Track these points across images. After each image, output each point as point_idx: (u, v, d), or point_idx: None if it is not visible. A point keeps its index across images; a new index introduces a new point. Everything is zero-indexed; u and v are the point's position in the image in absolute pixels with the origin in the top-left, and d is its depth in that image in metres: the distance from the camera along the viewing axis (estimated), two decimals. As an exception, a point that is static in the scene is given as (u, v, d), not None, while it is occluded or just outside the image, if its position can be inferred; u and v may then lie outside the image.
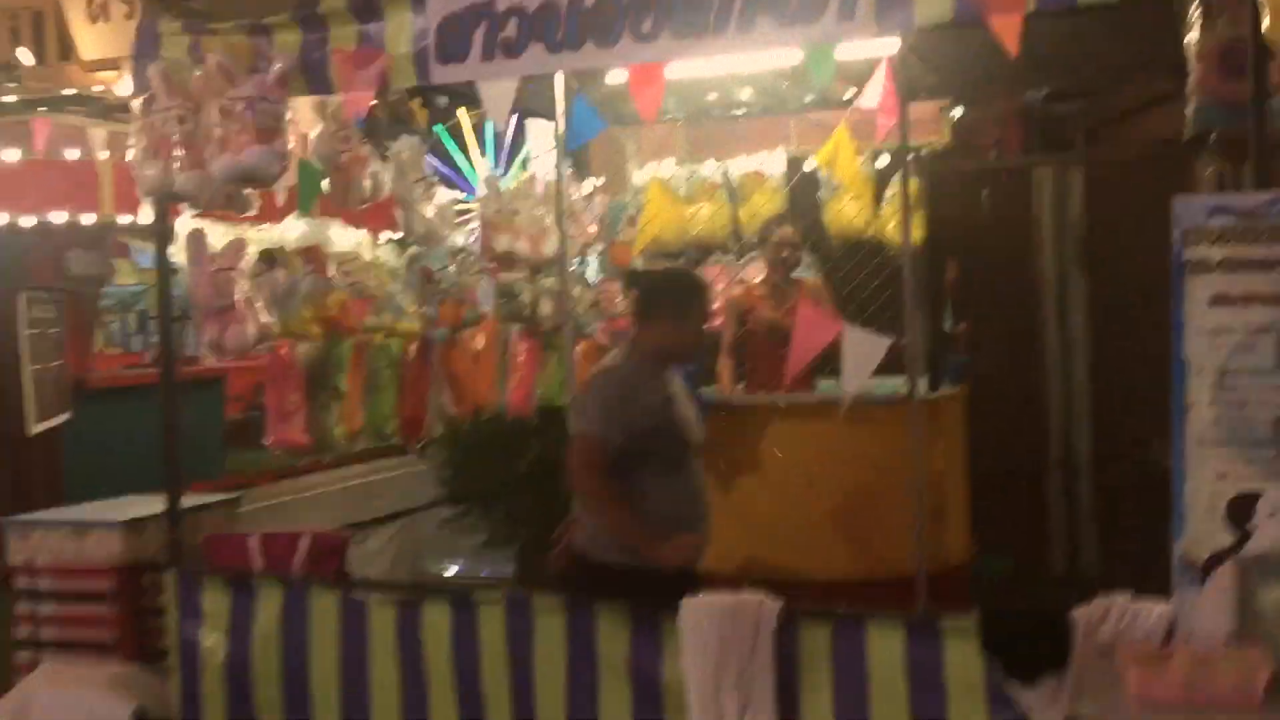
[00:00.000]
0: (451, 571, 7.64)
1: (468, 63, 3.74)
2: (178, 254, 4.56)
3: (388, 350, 5.22)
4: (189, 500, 4.52)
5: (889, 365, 4.37)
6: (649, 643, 3.59)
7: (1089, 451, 6.40)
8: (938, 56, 5.52)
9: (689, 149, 6.95)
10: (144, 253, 11.01)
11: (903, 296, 4.43)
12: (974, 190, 6.43)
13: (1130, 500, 5.90)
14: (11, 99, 8.53)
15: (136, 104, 4.07)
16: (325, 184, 4.75)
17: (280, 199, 4.50)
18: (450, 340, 5.66)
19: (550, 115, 4.86)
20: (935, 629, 3.30)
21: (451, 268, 5.62)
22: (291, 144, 4.18)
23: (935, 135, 6.59)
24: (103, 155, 8.68)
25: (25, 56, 7.61)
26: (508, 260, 5.87)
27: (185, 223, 4.53)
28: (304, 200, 4.67)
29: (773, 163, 6.57)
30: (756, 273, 6.16)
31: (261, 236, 4.70)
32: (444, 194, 5.68)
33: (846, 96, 5.94)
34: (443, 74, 3.77)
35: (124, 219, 9.07)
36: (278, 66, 3.86)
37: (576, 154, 6.95)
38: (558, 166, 4.92)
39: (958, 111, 6.86)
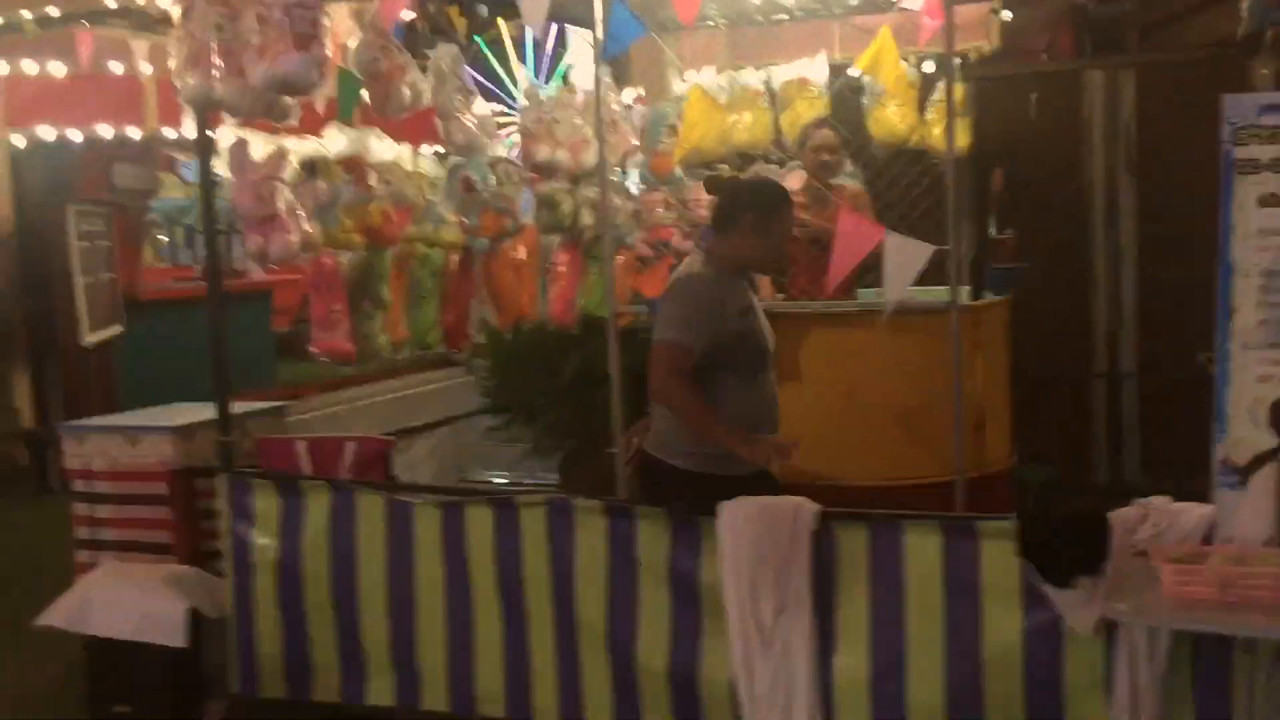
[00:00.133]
0: (495, 480, 7.75)
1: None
2: (220, 165, 4.58)
3: (430, 260, 5.25)
4: (239, 408, 4.62)
5: (931, 274, 4.34)
6: (688, 545, 3.64)
7: (1135, 361, 6.35)
8: (987, -44, 5.38)
9: (730, 56, 6.83)
10: (190, 166, 11.10)
11: (946, 204, 4.38)
12: (1022, 95, 6.30)
13: (1175, 410, 5.86)
14: (55, 11, 8.54)
15: (176, 11, 4.07)
16: (365, 94, 4.75)
17: (320, 108, 4.50)
18: (491, 251, 5.68)
19: (590, 22, 4.80)
20: (972, 531, 3.33)
21: (492, 178, 5.60)
22: (330, 53, 4.17)
23: (983, 39, 6.43)
24: (146, 69, 8.72)
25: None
26: (548, 170, 5.85)
27: (227, 133, 4.54)
28: (344, 108, 4.67)
29: (815, 69, 6.45)
30: (798, 181, 6.10)
31: (303, 147, 4.70)
32: (484, 104, 5.66)
33: (891, -1, 5.82)
34: (478, -23, 3.73)
35: (169, 133, 9.17)
36: (314, -29, 3.84)
37: (616, 63, 6.87)
38: (596, 74, 4.87)
39: (1006, 14, 6.68)
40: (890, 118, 6.08)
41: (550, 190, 5.99)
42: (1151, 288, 6.28)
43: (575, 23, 7.08)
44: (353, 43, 4.72)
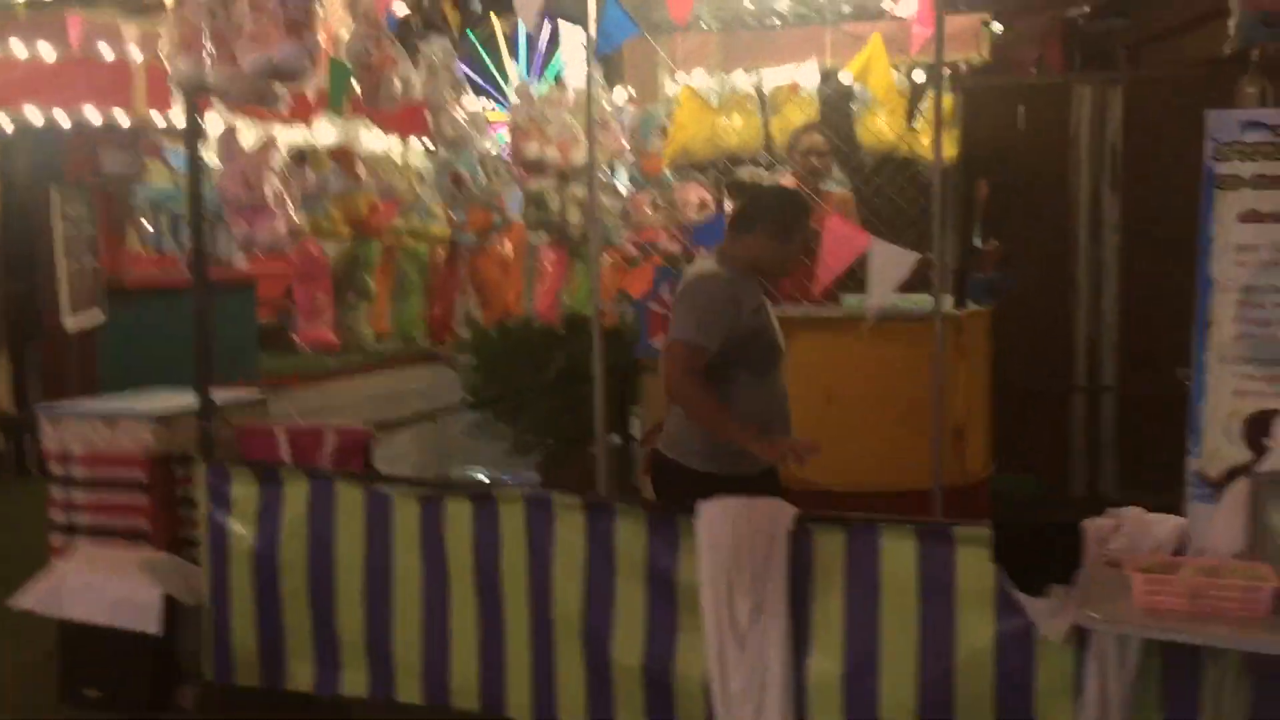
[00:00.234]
0: (475, 476, 7.76)
1: (499, -40, 3.71)
2: (209, 152, 4.57)
3: (416, 254, 5.26)
4: (221, 396, 4.61)
5: (915, 282, 4.37)
6: (666, 543, 3.65)
7: (1115, 374, 6.40)
8: (979, -33, 5.43)
9: (722, 59, 6.87)
10: (176, 153, 11.05)
11: (932, 213, 4.41)
12: (1010, 107, 6.35)
13: (1153, 424, 5.91)
14: (45, -7, 8.49)
15: (168, -3, 4.07)
16: (355, 84, 4.75)
17: (311, 97, 4.50)
18: (478, 246, 5.69)
19: (583, 20, 4.82)
20: (948, 537, 3.34)
21: (481, 174, 5.61)
22: (322, 42, 4.17)
23: (973, 50, 6.48)
24: (136, 53, 8.69)
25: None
26: (537, 167, 5.87)
27: (217, 120, 4.54)
28: (334, 98, 4.67)
29: (806, 74, 6.49)
30: (785, 184, 6.12)
31: (292, 136, 4.70)
32: (475, 100, 5.67)
33: (884, 6, 5.86)
34: (473, -28, 3.74)
35: (158, 119, 9.13)
36: (308, -39, 3.84)
37: (608, 63, 6.89)
38: (588, 72, 4.88)
39: (998, 26, 6.74)
40: (878, 125, 6.13)
41: (539, 188, 6.01)
42: (1133, 302, 6.33)
43: (569, 19, 7.09)
44: (345, 32, 4.73)
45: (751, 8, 6.53)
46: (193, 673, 4.25)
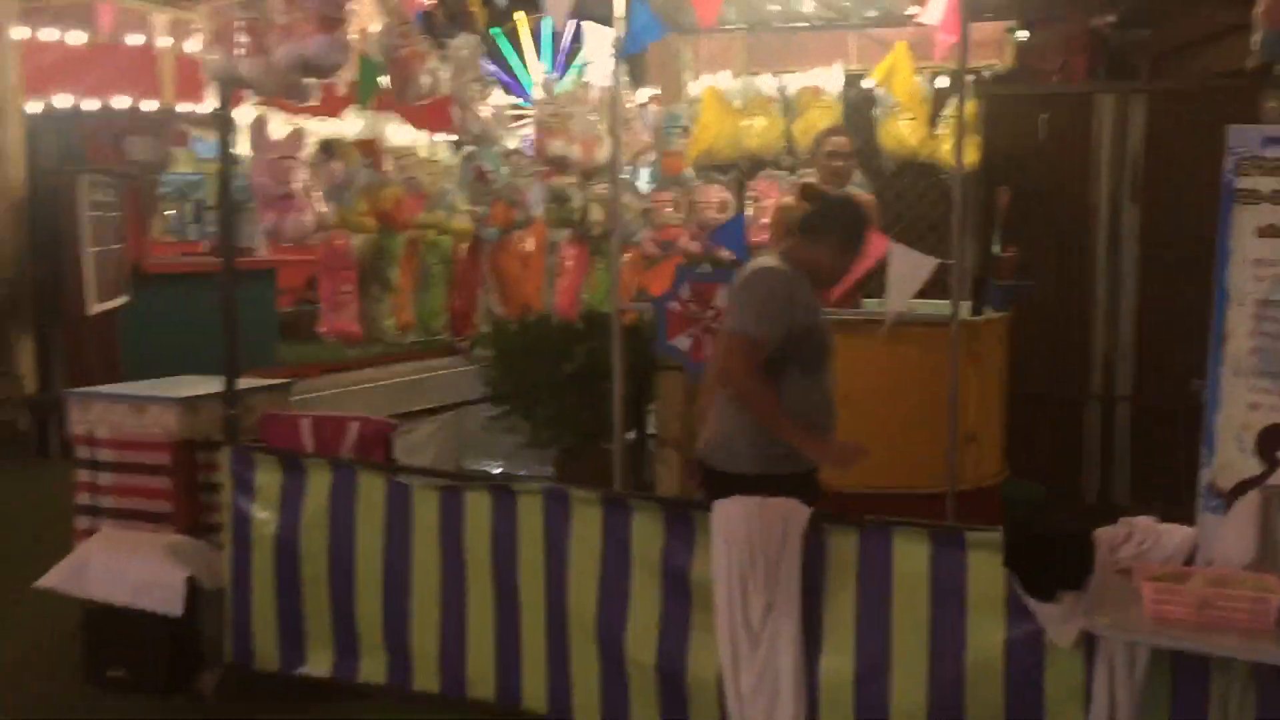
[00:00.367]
0: (490, 470, 7.83)
1: (531, -39, 3.76)
2: (238, 142, 4.63)
3: (439, 247, 5.30)
4: (244, 384, 4.67)
5: (933, 287, 4.41)
6: (681, 540, 3.70)
7: (1130, 384, 6.42)
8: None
9: (746, 61, 6.90)
10: (202, 141, 11.16)
11: (952, 219, 4.45)
12: (1032, 115, 6.37)
13: (1167, 435, 5.93)
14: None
15: (204, -11, 4.13)
16: (384, 79, 4.81)
17: (341, 92, 4.56)
18: (500, 241, 5.74)
19: (609, 20, 4.86)
20: (960, 541, 3.39)
21: (505, 169, 5.66)
22: (353, 36, 4.23)
23: (997, 58, 6.50)
24: (165, 42, 8.78)
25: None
26: (560, 164, 5.91)
27: (247, 111, 4.60)
28: (363, 92, 4.72)
29: (830, 78, 6.52)
30: (808, 188, 6.16)
31: (321, 128, 4.76)
32: (500, 96, 5.71)
33: (909, 12, 5.88)
34: (505, -28, 3.79)
35: (184, 107, 9.22)
36: (342, -43, 3.90)
37: (633, 62, 6.93)
38: (614, 72, 4.93)
39: (1023, 34, 6.75)
40: (901, 130, 6.16)
41: (561, 185, 6.05)
42: (1150, 313, 6.35)
43: (595, 20, 7.14)
44: (375, 27, 4.78)
45: (777, 9, 6.56)
46: (213, 655, 4.32)
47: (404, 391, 9.07)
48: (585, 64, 12.19)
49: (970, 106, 5.58)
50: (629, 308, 5.40)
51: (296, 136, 4.42)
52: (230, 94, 4.33)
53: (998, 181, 6.00)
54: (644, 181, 6.98)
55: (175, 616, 4.19)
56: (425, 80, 4.83)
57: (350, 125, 5.04)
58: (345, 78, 4.46)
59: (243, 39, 4.01)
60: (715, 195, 6.60)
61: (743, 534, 3.54)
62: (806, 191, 4.19)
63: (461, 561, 4.01)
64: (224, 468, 4.30)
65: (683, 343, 4.79)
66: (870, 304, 5.38)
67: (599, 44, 9.49)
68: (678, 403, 5.76)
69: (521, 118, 7.74)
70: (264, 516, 4.23)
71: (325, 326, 4.87)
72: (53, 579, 4.36)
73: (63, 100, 8.90)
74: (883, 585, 3.46)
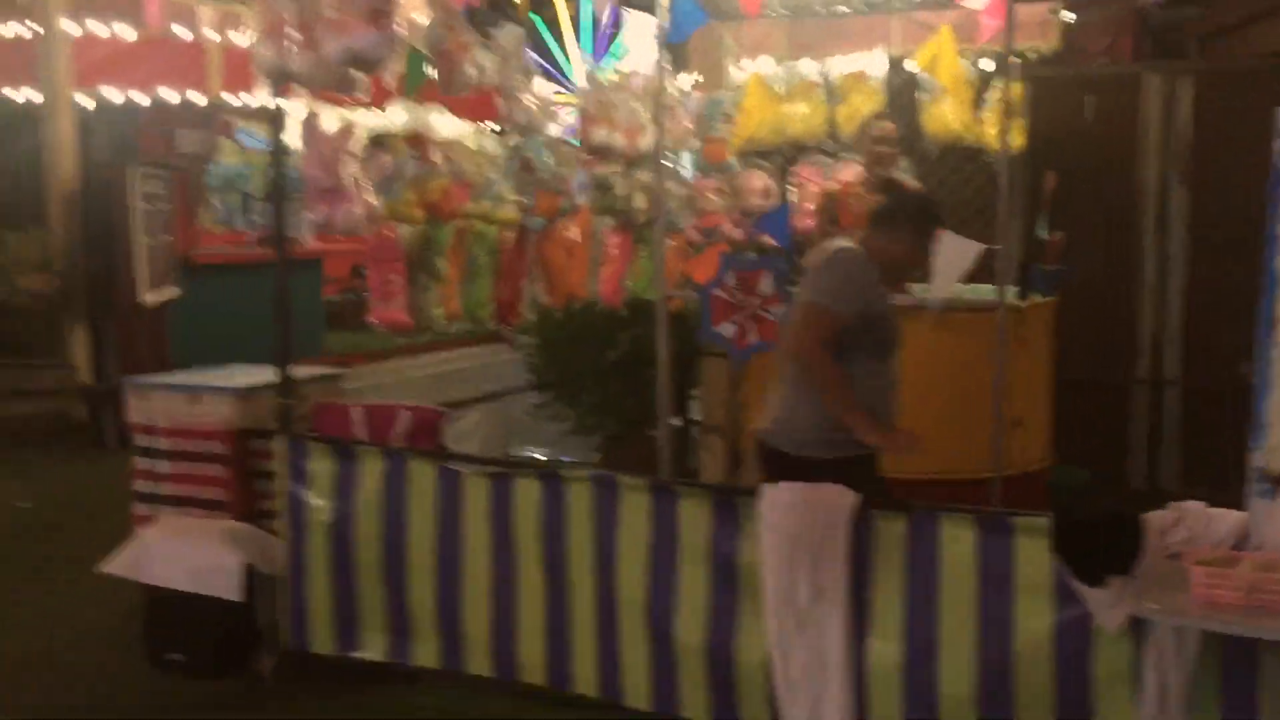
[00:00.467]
0: (534, 456, 7.89)
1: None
2: (289, 135, 4.71)
3: (486, 237, 5.37)
4: (297, 373, 4.75)
5: (979, 272, 4.40)
6: (728, 526, 3.74)
7: (1178, 368, 6.37)
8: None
9: (788, 47, 6.90)
10: (248, 132, 11.29)
11: (998, 203, 4.44)
12: (1078, 97, 6.32)
13: (1216, 419, 5.89)
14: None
15: (255, -15, 4.20)
16: (430, 70, 4.87)
17: (389, 84, 4.62)
18: (545, 230, 5.79)
19: (650, 8, 4.89)
20: (1007, 527, 3.40)
21: (550, 158, 5.70)
22: (400, 29, 4.28)
23: (1042, 39, 6.46)
24: (212, 35, 8.90)
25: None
26: (604, 153, 5.95)
27: (297, 105, 4.67)
28: (410, 85, 4.79)
29: (873, 63, 6.51)
30: (849, 173, 6.16)
31: (370, 120, 4.82)
32: (544, 85, 5.76)
33: (952, -4, 5.86)
34: (551, -36, 3.82)
35: (231, 99, 9.35)
36: (391, -49, 3.95)
37: (674, 49, 6.94)
38: (657, 60, 4.95)
39: (1068, 15, 6.70)
40: (945, 114, 6.14)
41: (605, 172, 6.09)
42: (1198, 296, 6.29)
43: (637, 7, 7.16)
44: (420, 19, 4.83)
45: (819, -5, 6.56)
46: (270, 639, 4.42)
47: (447, 379, 9.16)
48: (624, 50, 12.21)
49: (1015, 89, 5.55)
50: (674, 295, 5.43)
51: (346, 130, 4.49)
52: (281, 88, 4.40)
53: (1043, 164, 5.96)
54: (687, 168, 7.01)
55: (234, 601, 4.28)
56: (471, 71, 4.88)
57: (394, 116, 5.10)
58: (393, 70, 4.52)
59: (293, 34, 4.07)
60: (758, 182, 6.62)
61: (791, 520, 3.57)
62: (884, 183, 4.19)
63: (512, 547, 4.07)
64: (279, 456, 4.38)
65: (727, 330, 4.81)
66: (915, 289, 5.38)
67: (638, 29, 9.50)
68: (721, 389, 5.79)
69: (562, 104, 7.78)
70: (319, 504, 4.31)
71: (375, 316, 4.95)
72: (115, 564, 4.47)
73: (113, 93, 9.06)
74: (930, 571, 3.48)
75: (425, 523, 4.18)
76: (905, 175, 5.69)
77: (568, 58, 13.57)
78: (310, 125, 4.41)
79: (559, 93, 10.44)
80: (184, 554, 4.38)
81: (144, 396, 4.91)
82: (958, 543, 3.46)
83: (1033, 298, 5.17)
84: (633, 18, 9.00)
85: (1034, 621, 3.34)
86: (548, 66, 12.53)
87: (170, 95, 9.07)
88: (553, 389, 7.13)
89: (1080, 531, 3.31)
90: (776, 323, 4.72)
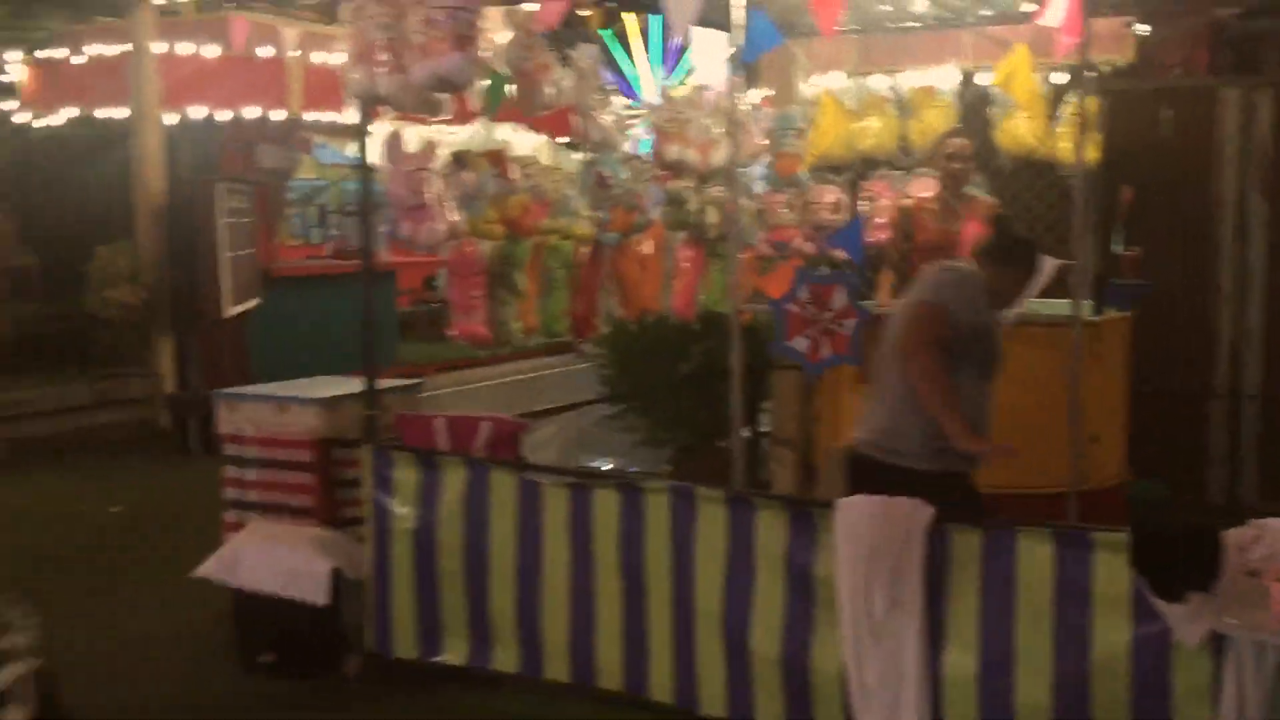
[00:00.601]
0: (605, 467, 7.99)
1: (655, -25, 3.88)
2: (374, 153, 4.84)
3: (562, 252, 5.48)
4: (380, 384, 4.88)
5: (1055, 287, 4.42)
6: (804, 538, 3.79)
7: (1258, 381, 6.30)
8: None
9: (858, 62, 6.94)
10: (325, 148, 11.57)
11: (1072, 218, 4.45)
12: (1154, 110, 6.29)
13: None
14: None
15: (346, 10, 4.34)
16: (510, 89, 4.99)
17: (470, 103, 4.75)
18: (620, 245, 5.90)
19: (721, 25, 4.96)
20: (1085, 542, 3.42)
21: (625, 174, 5.81)
22: (485, 53, 4.40)
23: (1118, 52, 6.43)
24: (294, 54, 9.15)
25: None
26: (677, 168, 6.04)
27: (382, 124, 4.82)
28: (490, 104, 4.92)
29: (944, 77, 6.53)
30: (921, 188, 6.18)
31: (452, 139, 4.96)
32: (618, 101, 5.87)
33: (1024, 8, 5.86)
34: (632, -13, 3.92)
35: (310, 116, 9.60)
36: (477, -23, 4.08)
37: (744, 64, 7.00)
38: (730, 79, 5.03)
39: (1143, 28, 6.66)
40: (1018, 129, 6.13)
41: (678, 188, 6.18)
42: (1278, 307, 6.22)
43: (711, 26, 7.24)
44: (500, 39, 4.95)
45: (889, 10, 6.58)
46: (355, 643, 4.55)
47: (517, 390, 9.31)
48: (692, 65, 12.30)
49: (1090, 103, 5.54)
50: (748, 309, 5.50)
51: (429, 148, 4.62)
52: (370, 110, 4.54)
53: (1118, 178, 5.94)
54: (757, 183, 7.07)
55: (321, 605, 4.42)
56: (550, 91, 4.99)
57: (478, 135, 5.23)
58: (474, 90, 4.65)
59: (383, 58, 4.21)
60: (829, 196, 6.67)
61: (868, 531, 3.62)
62: (997, 220, 4.29)
63: (590, 556, 4.15)
64: (365, 465, 4.51)
65: (800, 344, 4.85)
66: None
67: (707, 46, 9.59)
68: (793, 402, 5.84)
69: (629, 116, 7.89)
70: (403, 512, 4.43)
71: (456, 329, 5.07)
72: (208, 568, 4.63)
73: (198, 111, 9.34)
74: (1006, 584, 3.51)
75: (506, 531, 4.28)
76: (979, 191, 5.71)
77: (637, 72, 13.71)
78: (393, 144, 4.55)
79: (627, 107, 10.56)
80: (274, 559, 4.53)
81: (233, 407, 5.08)
82: (1035, 557, 3.48)
83: (1108, 313, 5.16)
84: (700, 34, 9.09)
85: (1112, 635, 3.36)
86: (616, 80, 12.67)
87: (252, 112, 9.33)
88: (625, 401, 7.23)
89: (1159, 546, 3.33)
90: (849, 337, 4.77)
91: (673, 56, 13.65)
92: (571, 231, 5.53)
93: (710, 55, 7.60)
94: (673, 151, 5.98)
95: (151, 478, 8.06)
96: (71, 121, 9.74)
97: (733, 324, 4.87)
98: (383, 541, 4.47)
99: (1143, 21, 6.56)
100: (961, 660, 3.54)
